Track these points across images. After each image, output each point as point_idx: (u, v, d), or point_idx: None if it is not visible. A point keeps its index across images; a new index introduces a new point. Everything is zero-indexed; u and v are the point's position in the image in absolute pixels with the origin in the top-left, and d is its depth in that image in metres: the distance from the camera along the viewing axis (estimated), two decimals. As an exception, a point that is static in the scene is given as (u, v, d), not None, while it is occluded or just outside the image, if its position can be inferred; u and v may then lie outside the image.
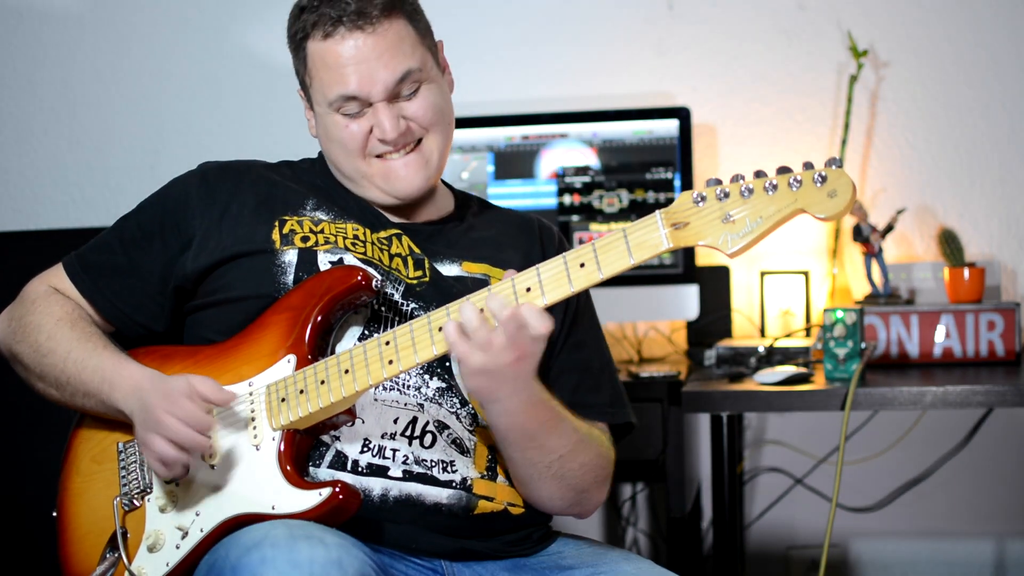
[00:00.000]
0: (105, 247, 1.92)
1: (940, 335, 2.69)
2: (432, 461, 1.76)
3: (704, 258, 3.11)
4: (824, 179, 1.46)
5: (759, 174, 1.49)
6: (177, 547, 1.73)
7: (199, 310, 1.87)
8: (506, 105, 3.18)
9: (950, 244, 2.93)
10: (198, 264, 1.85)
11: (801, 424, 3.16)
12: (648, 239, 1.53)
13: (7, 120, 3.46)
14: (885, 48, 3.13)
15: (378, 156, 1.86)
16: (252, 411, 1.73)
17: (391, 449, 1.74)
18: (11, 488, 2.80)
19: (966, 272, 2.82)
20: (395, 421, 1.76)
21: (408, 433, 1.76)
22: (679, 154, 2.97)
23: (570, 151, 3.01)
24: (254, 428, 1.72)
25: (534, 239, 1.97)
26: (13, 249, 2.96)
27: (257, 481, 1.70)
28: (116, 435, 1.85)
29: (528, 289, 1.57)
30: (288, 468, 1.68)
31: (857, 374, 2.44)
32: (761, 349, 2.76)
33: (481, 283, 1.86)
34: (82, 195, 3.44)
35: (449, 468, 1.77)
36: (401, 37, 1.82)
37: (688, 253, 2.96)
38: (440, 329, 1.61)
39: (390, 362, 1.64)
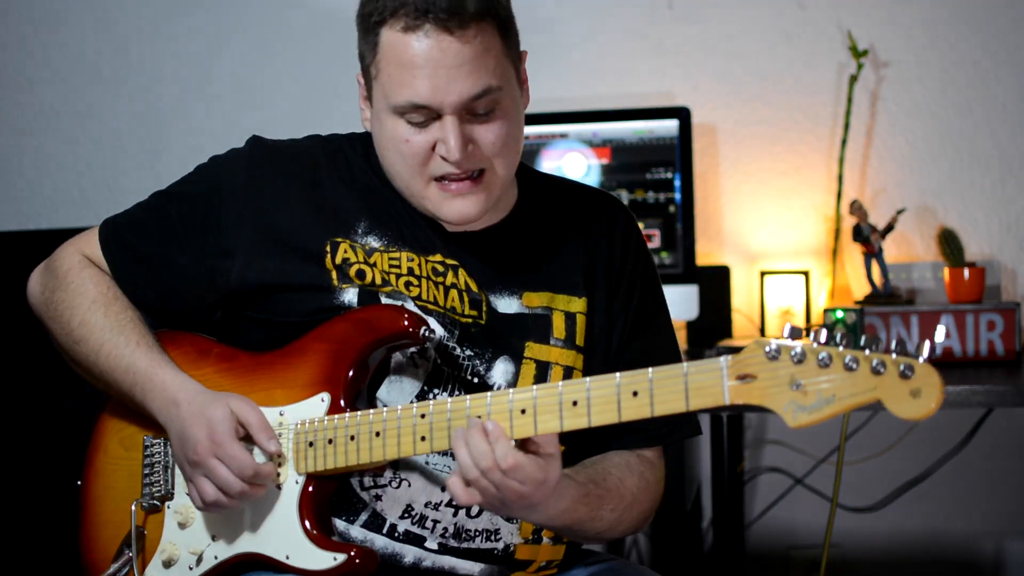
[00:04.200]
0: (142, 229, 1.82)
1: (940, 335, 2.69)
2: (476, 531, 1.71)
3: (704, 258, 3.12)
4: (911, 373, 1.32)
5: (844, 341, 1.36)
6: (190, 568, 1.72)
7: (250, 324, 1.79)
8: (506, 105, 3.18)
9: (950, 244, 2.93)
10: (245, 279, 1.75)
11: (801, 424, 3.16)
12: (709, 387, 1.44)
13: (7, 120, 3.46)
14: (885, 48, 3.13)
15: (436, 180, 1.68)
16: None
17: (432, 520, 1.69)
18: (20, 467, 2.81)
19: (966, 272, 2.82)
20: (443, 489, 1.69)
21: (456, 502, 1.64)
22: (679, 154, 2.97)
23: (570, 151, 3.01)
24: (279, 466, 1.68)
25: (601, 238, 1.82)
26: (13, 249, 2.97)
27: (275, 524, 1.67)
28: (145, 422, 1.80)
29: (575, 403, 1.50)
30: (307, 520, 1.65)
31: (857, 374, 2.43)
32: (761, 349, 2.76)
33: (541, 319, 1.76)
34: (82, 195, 3.44)
35: (493, 537, 1.72)
36: (488, 47, 1.63)
37: (688, 250, 2.96)
38: (479, 417, 1.53)
39: (423, 439, 1.58)
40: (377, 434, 1.60)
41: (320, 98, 3.33)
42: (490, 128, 1.66)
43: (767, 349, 1.39)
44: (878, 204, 3.11)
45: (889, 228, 2.89)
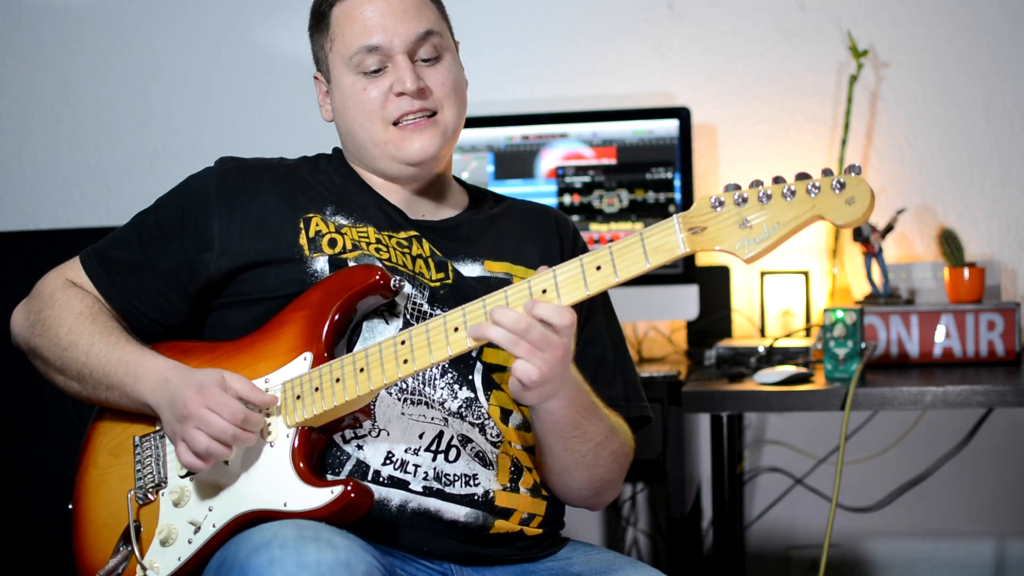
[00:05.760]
0: (122, 243, 1.92)
1: (940, 335, 2.69)
2: (455, 475, 1.76)
3: (704, 258, 3.11)
4: (843, 186, 1.44)
5: (778, 180, 1.48)
6: (189, 542, 1.73)
7: (223, 308, 1.87)
8: (506, 105, 3.18)
9: (950, 244, 2.93)
10: (223, 266, 1.84)
11: (801, 424, 3.16)
12: (665, 243, 1.52)
13: (6, 120, 3.46)
14: (885, 48, 3.13)
15: (394, 124, 1.85)
16: (267, 408, 1.73)
17: (413, 464, 1.74)
18: (21, 484, 2.82)
19: (966, 272, 2.82)
20: (420, 436, 1.76)
21: (433, 448, 1.75)
22: (679, 154, 2.97)
23: (570, 151, 3.01)
24: (269, 425, 1.72)
25: (551, 231, 1.98)
26: (13, 249, 2.97)
27: (270, 478, 1.70)
28: (133, 429, 1.85)
29: (544, 291, 1.58)
30: (301, 465, 1.68)
31: (857, 374, 2.44)
32: (761, 349, 2.76)
33: (504, 282, 1.87)
34: (81, 195, 3.44)
35: (472, 482, 1.77)
36: (424, 3, 1.88)
37: (688, 253, 2.96)
38: (456, 329, 1.61)
39: (405, 361, 1.64)
40: (361, 370, 1.67)
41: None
42: (437, 70, 1.87)
43: (712, 200, 1.50)
44: (878, 204, 3.11)
45: (889, 228, 2.89)
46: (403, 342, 1.65)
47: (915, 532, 3.17)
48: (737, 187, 1.49)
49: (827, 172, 1.46)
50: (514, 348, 1.57)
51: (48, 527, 2.50)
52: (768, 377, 2.55)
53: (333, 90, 1.90)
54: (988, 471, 3.11)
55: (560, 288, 1.57)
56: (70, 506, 1.90)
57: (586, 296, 1.57)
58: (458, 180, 2.02)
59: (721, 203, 1.49)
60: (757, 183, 1.49)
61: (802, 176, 1.47)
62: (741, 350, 2.79)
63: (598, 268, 1.56)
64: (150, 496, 1.79)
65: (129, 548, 1.77)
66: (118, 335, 1.84)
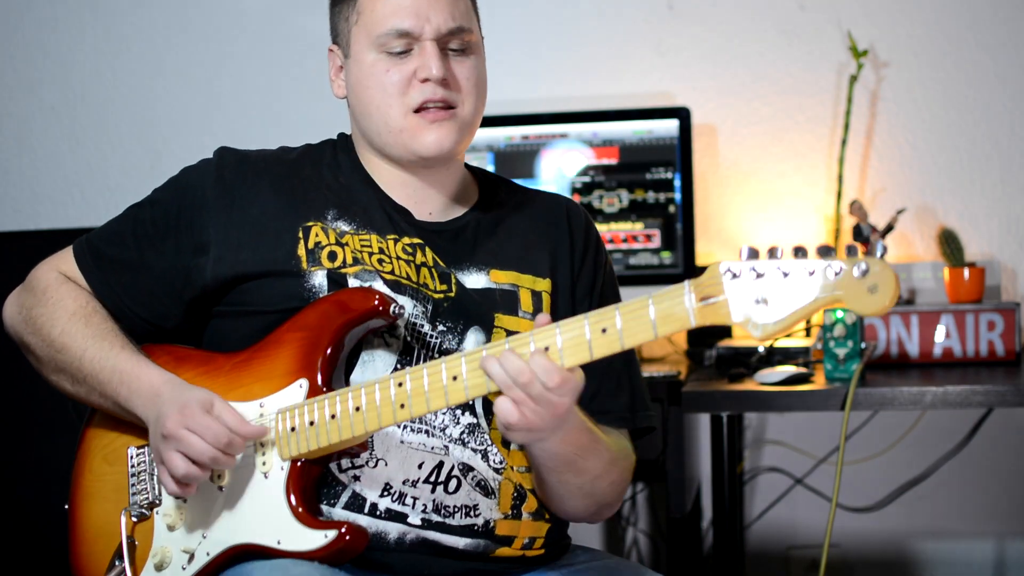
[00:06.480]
0: (117, 239, 1.86)
1: (940, 335, 2.69)
2: (455, 507, 1.72)
3: (704, 258, 3.11)
4: (866, 272, 1.38)
5: (799, 252, 1.41)
6: (183, 568, 1.72)
7: (222, 316, 1.82)
8: (506, 105, 3.18)
9: (950, 244, 2.93)
10: (219, 273, 1.79)
11: (801, 424, 3.16)
12: (675, 312, 1.46)
13: (7, 120, 3.46)
14: (885, 48, 3.13)
15: (414, 112, 1.78)
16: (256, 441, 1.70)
17: (412, 497, 1.71)
18: (21, 484, 2.82)
19: (966, 272, 2.82)
20: (420, 466, 1.72)
21: (432, 479, 1.72)
22: (679, 154, 2.97)
23: (570, 151, 3.01)
24: (263, 454, 1.69)
25: (563, 229, 1.90)
26: (13, 249, 2.97)
27: (264, 511, 1.68)
28: (128, 436, 1.82)
29: (547, 348, 1.53)
30: (295, 503, 1.66)
31: (857, 374, 2.44)
32: (761, 349, 2.76)
33: (508, 294, 1.82)
34: (82, 195, 3.44)
35: (472, 512, 1.73)
36: None
37: (688, 250, 2.96)
38: (455, 378, 1.57)
39: (401, 406, 1.61)
40: (357, 408, 1.63)
41: (322, 99, 3.33)
42: (464, 63, 1.82)
43: (728, 269, 1.42)
44: (878, 204, 3.12)
45: (889, 228, 2.89)
46: (400, 384, 1.61)
47: (915, 532, 3.17)
48: (754, 254, 1.42)
49: (851, 251, 1.40)
50: (510, 393, 1.53)
51: (48, 527, 2.50)
52: (768, 377, 2.55)
53: (351, 65, 1.82)
54: (988, 471, 3.11)
55: (563, 348, 1.52)
56: (66, 506, 1.88)
57: (589, 360, 1.52)
58: (470, 168, 1.94)
59: (738, 274, 1.42)
60: (775, 252, 1.42)
61: (824, 251, 1.40)
62: (741, 350, 2.78)
63: (603, 331, 1.50)
64: (144, 513, 1.77)
65: (122, 566, 1.76)
66: (112, 339, 1.79)
